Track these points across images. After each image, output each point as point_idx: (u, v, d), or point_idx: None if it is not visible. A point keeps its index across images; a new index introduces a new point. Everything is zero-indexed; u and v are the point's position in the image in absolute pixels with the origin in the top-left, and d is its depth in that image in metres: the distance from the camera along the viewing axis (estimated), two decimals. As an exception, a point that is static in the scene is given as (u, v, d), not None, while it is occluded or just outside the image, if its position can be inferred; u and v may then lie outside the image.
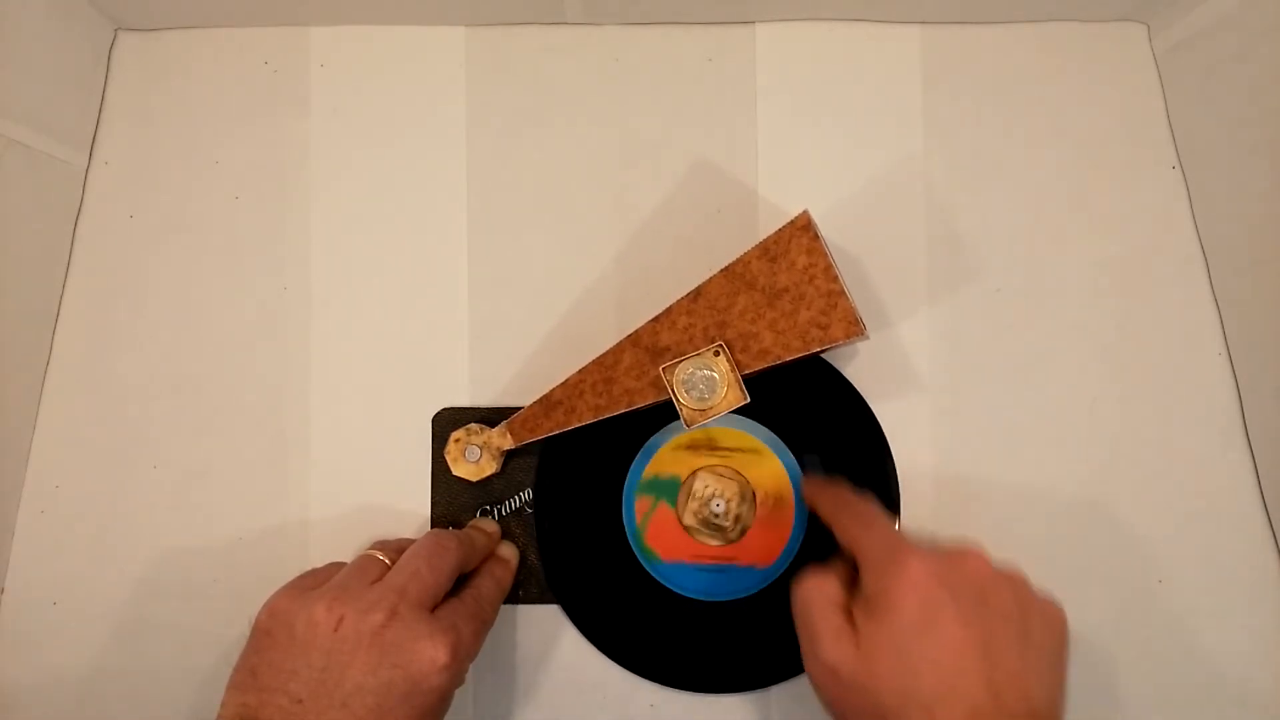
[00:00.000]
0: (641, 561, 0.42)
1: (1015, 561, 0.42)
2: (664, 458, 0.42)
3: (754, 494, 0.42)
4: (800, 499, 0.42)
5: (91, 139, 0.45)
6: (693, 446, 0.42)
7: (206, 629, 0.42)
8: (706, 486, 0.42)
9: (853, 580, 0.35)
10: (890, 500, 0.42)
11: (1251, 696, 0.42)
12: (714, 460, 0.42)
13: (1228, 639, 0.42)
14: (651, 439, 0.42)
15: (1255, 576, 0.42)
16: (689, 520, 0.42)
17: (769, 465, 0.42)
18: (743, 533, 0.42)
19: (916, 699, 0.30)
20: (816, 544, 0.42)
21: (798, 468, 0.42)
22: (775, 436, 0.42)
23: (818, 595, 0.34)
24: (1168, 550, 0.42)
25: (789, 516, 0.42)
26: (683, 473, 0.42)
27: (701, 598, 0.42)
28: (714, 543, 0.42)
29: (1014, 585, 0.33)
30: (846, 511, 0.37)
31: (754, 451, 0.42)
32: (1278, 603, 0.42)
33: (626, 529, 0.42)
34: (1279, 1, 0.38)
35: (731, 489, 0.42)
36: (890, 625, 0.31)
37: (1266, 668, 0.42)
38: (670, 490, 0.42)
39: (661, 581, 0.42)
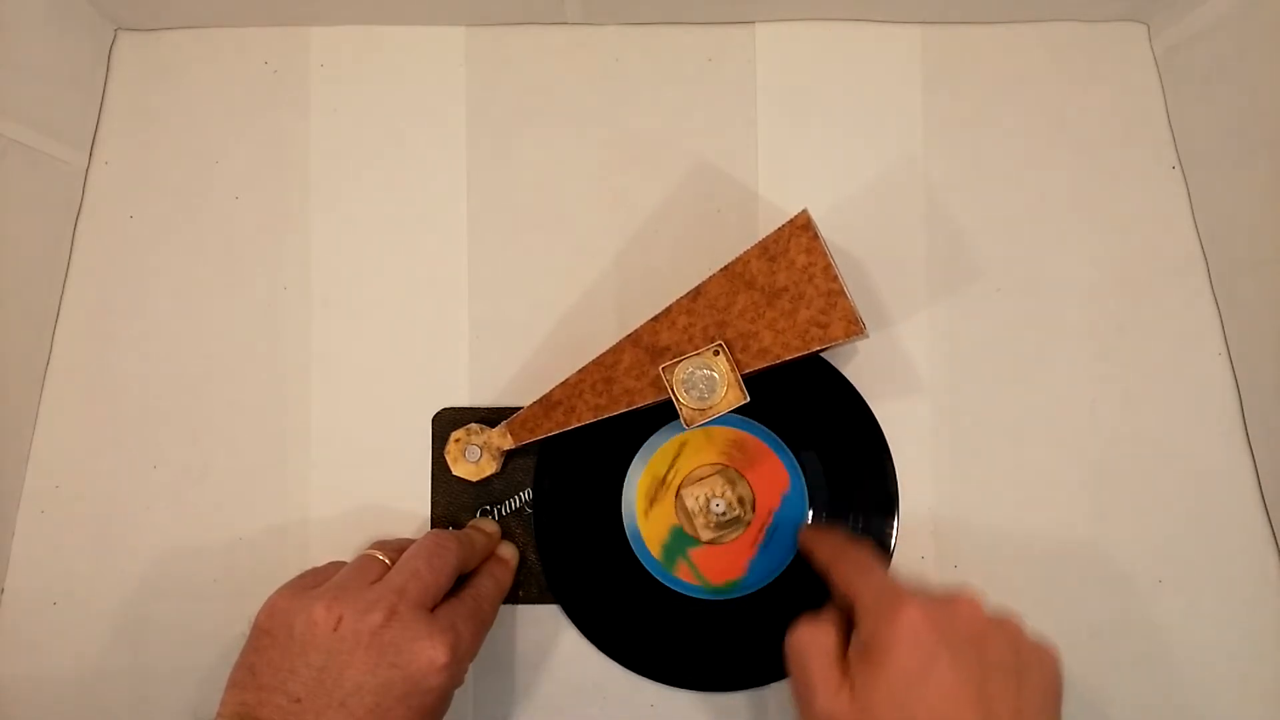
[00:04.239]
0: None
1: (1014, 562, 0.42)
2: (650, 524, 0.42)
3: (734, 469, 0.42)
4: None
5: (91, 139, 0.45)
6: (655, 499, 0.42)
7: (206, 629, 0.42)
8: (696, 498, 0.42)
9: (848, 628, 0.34)
10: (890, 501, 0.42)
11: (1251, 697, 0.41)
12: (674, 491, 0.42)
13: (1228, 639, 0.42)
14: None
15: (1255, 576, 0.42)
16: (709, 535, 0.42)
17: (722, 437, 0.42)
18: (754, 504, 0.42)
19: None
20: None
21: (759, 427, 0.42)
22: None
23: (812, 645, 0.34)
24: (1168, 550, 0.42)
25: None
26: (671, 521, 0.42)
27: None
28: (740, 532, 0.42)
29: (1008, 631, 0.33)
30: (842, 558, 0.37)
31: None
32: (1278, 603, 0.42)
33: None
34: (1279, 2, 0.38)
35: (716, 484, 0.42)
36: (886, 674, 0.31)
37: (1266, 668, 0.42)
38: (680, 544, 0.42)
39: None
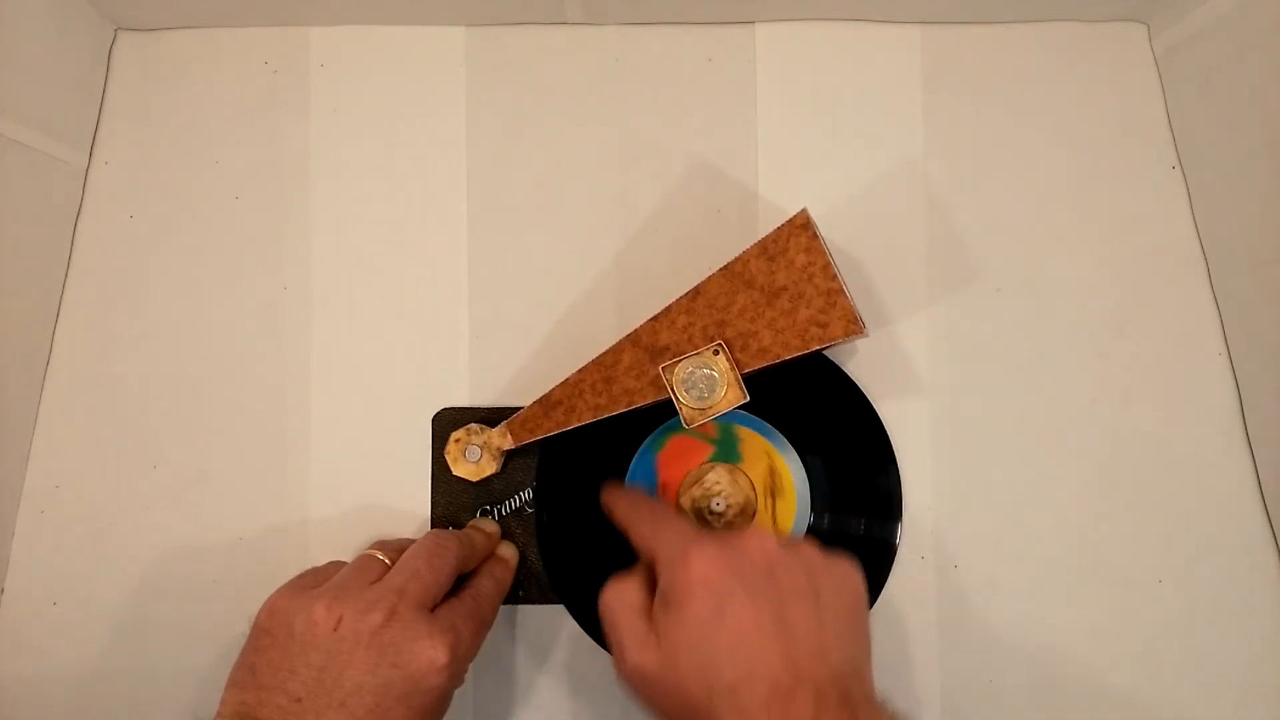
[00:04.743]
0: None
1: (1014, 562, 0.42)
2: (744, 433, 0.42)
3: (754, 513, 0.42)
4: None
5: (91, 139, 0.45)
6: (769, 473, 0.42)
7: (206, 629, 0.42)
8: (718, 482, 0.42)
9: (654, 583, 0.35)
10: (892, 499, 0.42)
11: (1251, 696, 0.42)
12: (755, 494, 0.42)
13: (1228, 639, 0.42)
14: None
15: (1255, 576, 0.42)
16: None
17: (784, 511, 0.42)
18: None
19: (719, 687, 0.31)
20: None
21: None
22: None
23: (619, 602, 0.34)
24: (1168, 550, 0.42)
25: None
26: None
27: None
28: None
29: (801, 555, 0.33)
30: (637, 514, 0.37)
31: (785, 499, 0.42)
32: (1278, 603, 0.42)
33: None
34: (1279, 2, 0.38)
35: (738, 497, 0.42)
36: (684, 621, 0.32)
37: (1266, 668, 0.42)
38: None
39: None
